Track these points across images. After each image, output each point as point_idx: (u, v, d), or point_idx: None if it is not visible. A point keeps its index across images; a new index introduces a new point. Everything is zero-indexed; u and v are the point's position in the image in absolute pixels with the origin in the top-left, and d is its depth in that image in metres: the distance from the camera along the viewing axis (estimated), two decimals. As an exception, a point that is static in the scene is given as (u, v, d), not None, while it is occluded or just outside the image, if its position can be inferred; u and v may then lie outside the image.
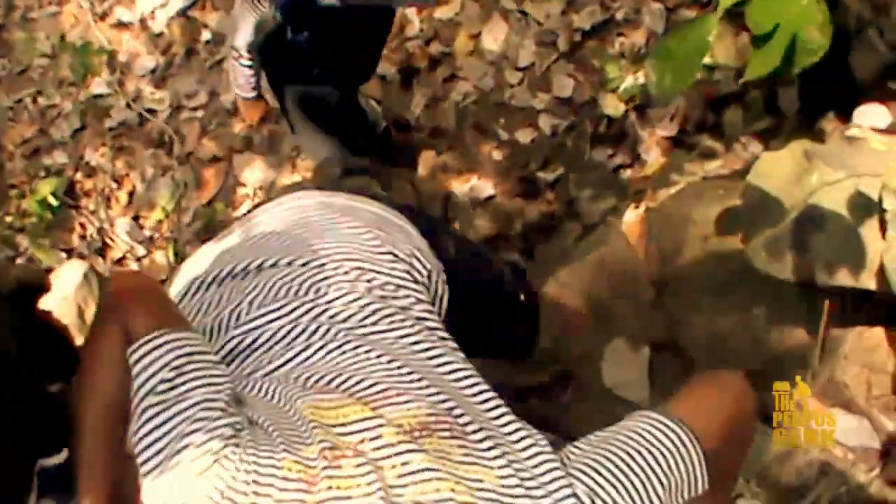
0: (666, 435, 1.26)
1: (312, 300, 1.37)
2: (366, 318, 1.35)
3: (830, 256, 1.86)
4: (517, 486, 1.18)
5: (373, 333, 1.34)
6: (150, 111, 4.19)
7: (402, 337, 1.35)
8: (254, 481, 1.05)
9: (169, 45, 4.31)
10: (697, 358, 2.36)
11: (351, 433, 1.15)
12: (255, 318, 1.37)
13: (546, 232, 3.64)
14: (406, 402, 1.22)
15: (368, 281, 1.41)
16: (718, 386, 1.44)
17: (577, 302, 2.62)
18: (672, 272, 2.49)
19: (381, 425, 1.16)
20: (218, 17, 4.31)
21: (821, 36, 1.62)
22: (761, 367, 2.17)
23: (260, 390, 1.24)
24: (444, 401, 1.25)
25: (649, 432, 1.27)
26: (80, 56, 4.20)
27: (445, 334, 1.41)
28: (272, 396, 1.22)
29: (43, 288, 1.50)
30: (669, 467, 1.23)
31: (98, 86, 4.30)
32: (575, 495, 1.19)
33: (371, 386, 1.24)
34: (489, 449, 1.21)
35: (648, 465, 1.23)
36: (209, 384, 1.12)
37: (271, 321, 1.36)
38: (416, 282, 1.47)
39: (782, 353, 2.16)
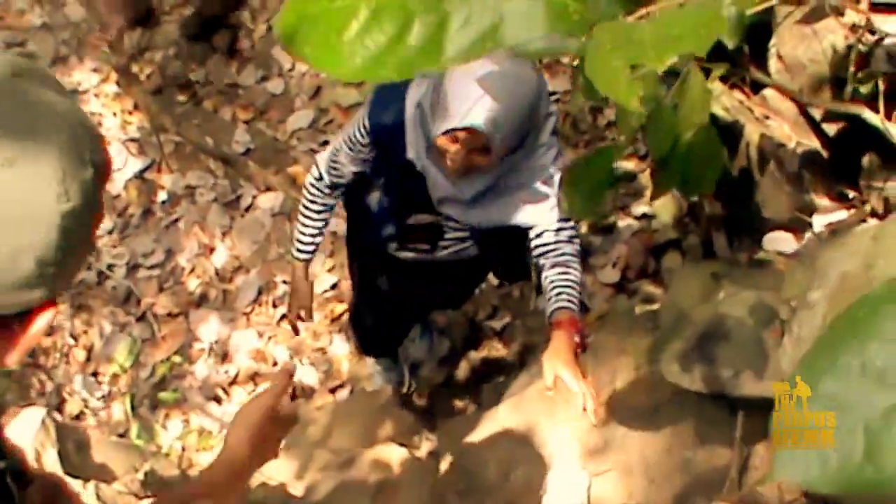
0: None
1: None
2: None
3: (735, 364, 1.96)
4: None
5: None
6: (109, 268, 4.30)
7: None
8: None
9: (126, 206, 4.47)
10: (634, 483, 2.42)
11: None
12: None
13: (496, 375, 3.74)
14: None
15: None
16: None
17: (519, 432, 2.69)
18: (608, 400, 2.57)
19: None
20: (173, 178, 4.50)
21: (712, 162, 1.77)
22: (691, 485, 2.24)
23: None
24: None
25: None
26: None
27: None
28: None
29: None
30: None
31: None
32: None
33: None
34: None
35: None
36: None
37: None
38: None
39: (708, 470, 2.23)
